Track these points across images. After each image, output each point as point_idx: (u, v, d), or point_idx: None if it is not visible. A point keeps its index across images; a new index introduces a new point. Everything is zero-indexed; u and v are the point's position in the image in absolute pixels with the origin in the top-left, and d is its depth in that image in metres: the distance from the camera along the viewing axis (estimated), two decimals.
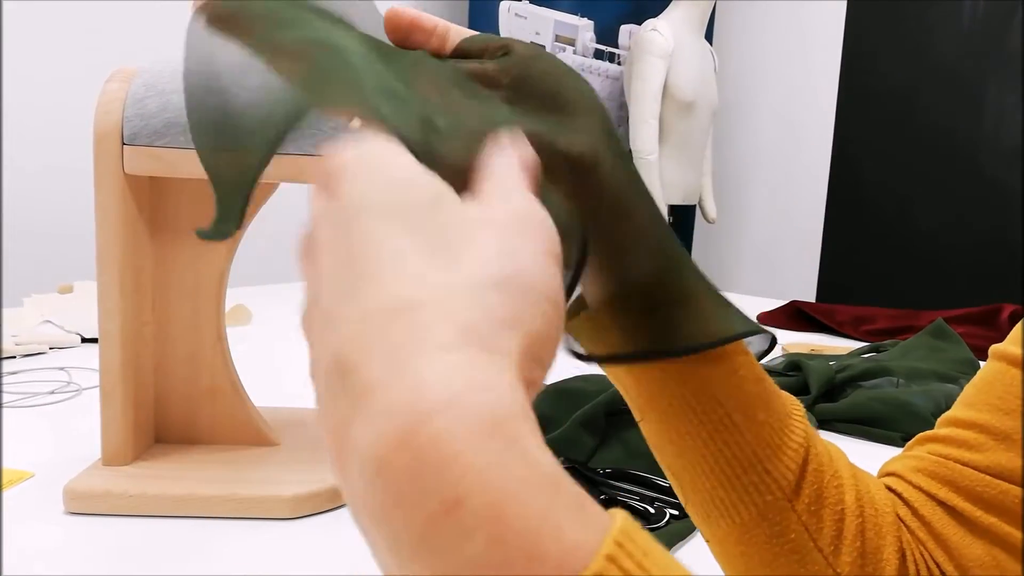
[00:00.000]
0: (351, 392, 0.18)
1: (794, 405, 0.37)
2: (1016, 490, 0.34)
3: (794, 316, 1.45)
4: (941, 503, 0.36)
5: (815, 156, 2.97)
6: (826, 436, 0.85)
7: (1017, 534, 0.34)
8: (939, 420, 0.39)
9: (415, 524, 0.17)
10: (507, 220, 0.21)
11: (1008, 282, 2.41)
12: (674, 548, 0.58)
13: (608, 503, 0.63)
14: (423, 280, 0.20)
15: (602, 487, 0.65)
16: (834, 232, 2.92)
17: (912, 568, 0.36)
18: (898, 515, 0.37)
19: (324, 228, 0.21)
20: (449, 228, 0.21)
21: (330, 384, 0.19)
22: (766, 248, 3.17)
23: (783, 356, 1.07)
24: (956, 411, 0.38)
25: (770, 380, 0.37)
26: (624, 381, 0.38)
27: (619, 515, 0.18)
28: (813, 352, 1.18)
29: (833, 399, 0.92)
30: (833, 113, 2.89)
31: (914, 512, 0.37)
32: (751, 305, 1.54)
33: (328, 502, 0.63)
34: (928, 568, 0.36)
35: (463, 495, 0.17)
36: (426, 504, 0.17)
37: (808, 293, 2.92)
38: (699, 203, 2.75)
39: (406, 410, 0.17)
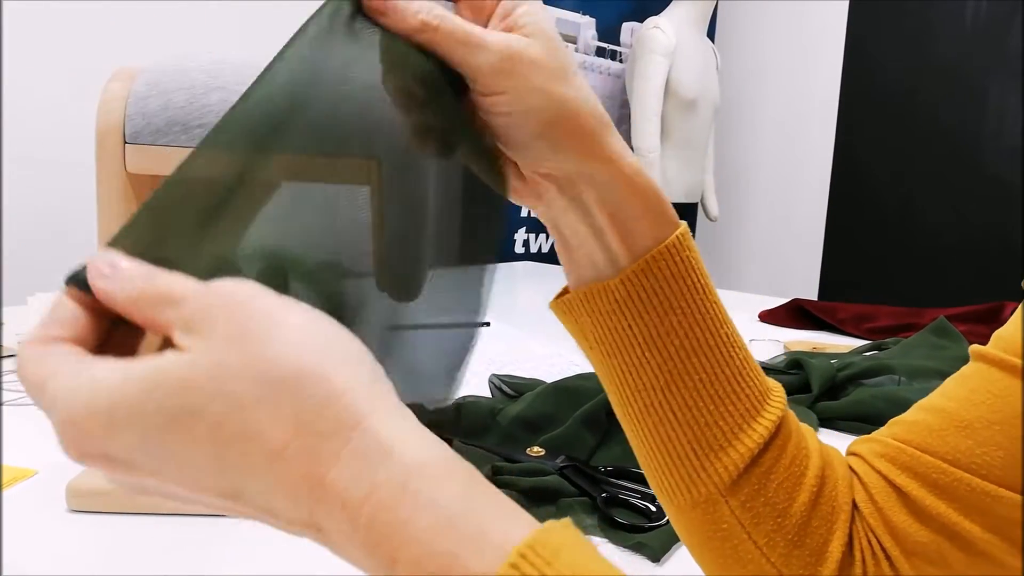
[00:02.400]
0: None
1: (771, 410, 0.38)
2: (969, 479, 0.36)
3: (796, 314, 1.45)
4: (896, 488, 0.38)
5: (817, 154, 2.97)
6: (827, 434, 0.85)
7: (966, 524, 0.36)
8: (914, 405, 0.40)
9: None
10: None
11: (1010, 280, 2.40)
12: (674, 546, 0.58)
13: (609, 501, 0.63)
14: None
15: (603, 485, 0.65)
16: (836, 230, 2.92)
17: (858, 553, 0.38)
18: (855, 500, 0.39)
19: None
20: None
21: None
22: (768, 246, 3.17)
23: (785, 354, 1.07)
24: (930, 398, 0.40)
25: (748, 384, 0.38)
26: (590, 357, 0.40)
27: (546, 526, 0.23)
28: (815, 350, 1.18)
29: (835, 397, 0.92)
30: (835, 111, 2.89)
31: (870, 497, 0.38)
32: (753, 303, 1.54)
33: None
34: (874, 552, 0.38)
35: (397, 557, 0.22)
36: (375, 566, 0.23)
37: (810, 291, 2.92)
38: (701, 201, 2.75)
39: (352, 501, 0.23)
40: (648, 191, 0.36)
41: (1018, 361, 0.36)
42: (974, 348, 0.39)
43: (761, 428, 0.37)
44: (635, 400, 0.38)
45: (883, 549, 0.38)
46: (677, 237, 0.37)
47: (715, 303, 0.38)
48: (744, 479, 0.37)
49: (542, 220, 0.38)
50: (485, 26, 0.34)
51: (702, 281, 0.38)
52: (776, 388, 0.39)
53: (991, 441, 0.36)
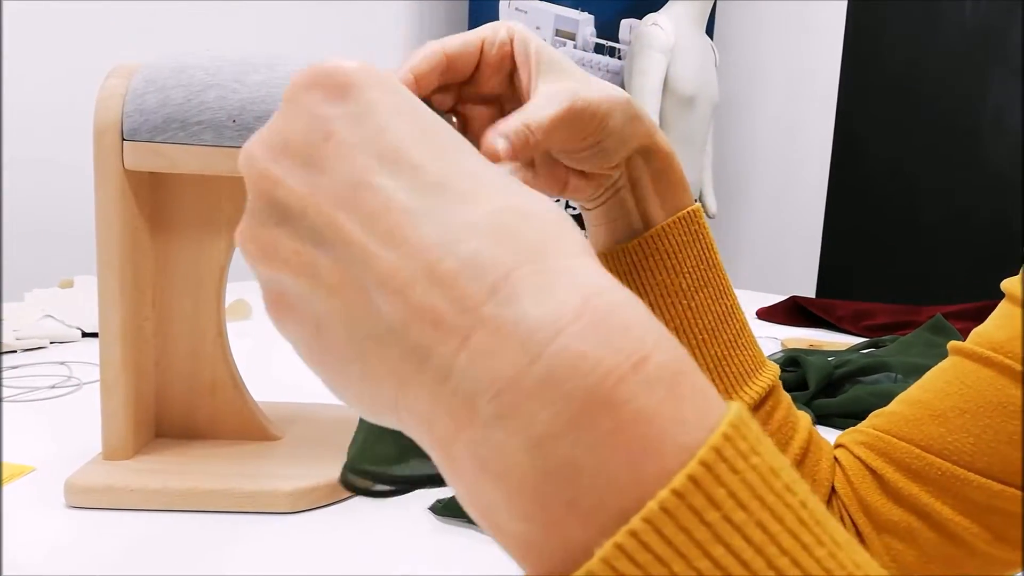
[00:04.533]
0: (495, 280, 0.18)
1: (762, 378, 0.42)
2: (941, 463, 0.39)
3: (793, 311, 1.45)
4: (872, 471, 0.41)
5: (816, 151, 2.97)
6: (824, 431, 0.85)
7: (936, 505, 0.39)
8: (895, 398, 0.44)
9: (603, 381, 0.17)
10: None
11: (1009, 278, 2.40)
12: None
13: None
14: (514, 193, 0.20)
15: None
16: (834, 227, 2.92)
17: None
18: (833, 484, 0.42)
19: (348, 130, 0.20)
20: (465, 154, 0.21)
21: (457, 276, 0.19)
22: (766, 243, 3.17)
23: (782, 351, 1.07)
24: (909, 390, 0.43)
25: (744, 351, 0.42)
26: None
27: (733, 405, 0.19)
28: (812, 347, 1.18)
29: (832, 395, 0.92)
30: (834, 108, 2.89)
31: (848, 479, 0.42)
32: (751, 300, 1.54)
33: (328, 496, 0.63)
34: (845, 526, 0.41)
35: (650, 353, 0.18)
36: (614, 359, 0.17)
37: (808, 288, 2.92)
38: (699, 198, 2.75)
39: (577, 287, 0.18)
40: (676, 161, 0.42)
41: (990, 353, 0.39)
42: (952, 343, 0.42)
43: (752, 391, 0.41)
44: None
45: (855, 526, 0.40)
46: (691, 211, 0.42)
47: (721, 275, 0.42)
48: None
49: (591, 204, 0.42)
50: (512, 89, 0.37)
51: (710, 252, 0.42)
52: (771, 365, 0.43)
53: (962, 428, 0.39)
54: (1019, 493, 0.38)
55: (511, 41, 0.36)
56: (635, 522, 0.16)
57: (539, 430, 0.17)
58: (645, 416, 0.17)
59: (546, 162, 0.40)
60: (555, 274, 0.19)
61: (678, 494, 0.16)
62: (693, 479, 0.17)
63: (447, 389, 0.18)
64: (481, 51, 0.36)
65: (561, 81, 0.36)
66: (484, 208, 0.19)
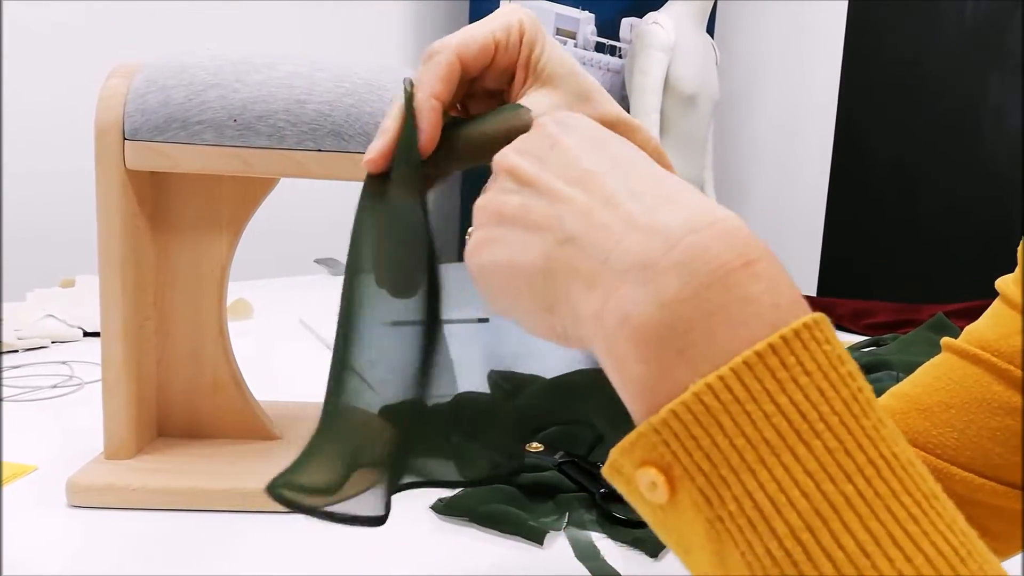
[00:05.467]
0: (650, 205, 0.27)
1: None
2: (924, 456, 0.40)
3: None
4: None
5: (816, 150, 2.97)
6: None
7: None
8: (887, 392, 0.45)
9: (719, 269, 0.25)
10: None
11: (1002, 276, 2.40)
12: None
13: (607, 497, 0.63)
14: (663, 174, 0.30)
15: (601, 480, 0.65)
16: (835, 226, 2.92)
17: None
18: None
19: (565, 139, 0.31)
20: None
21: (623, 202, 0.28)
22: (766, 241, 3.17)
23: None
24: (900, 384, 0.44)
25: None
26: None
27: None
28: None
29: None
30: (835, 107, 2.88)
31: None
32: None
33: None
34: None
35: (758, 258, 0.25)
36: (728, 256, 0.25)
37: (809, 287, 2.92)
38: None
39: (712, 210, 0.26)
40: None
41: (978, 351, 0.40)
42: (945, 340, 0.43)
43: None
44: None
45: None
46: None
47: None
48: None
49: None
50: (511, 84, 0.40)
51: None
52: None
53: (947, 423, 0.40)
54: (999, 487, 0.39)
55: (519, 43, 0.38)
56: (723, 369, 0.23)
57: (669, 295, 0.24)
58: (746, 299, 0.24)
59: None
60: (695, 201, 0.27)
61: (758, 354, 0.23)
62: (771, 345, 0.23)
63: (607, 267, 0.26)
64: (495, 53, 0.38)
65: (551, 95, 0.38)
66: (642, 171, 0.29)
